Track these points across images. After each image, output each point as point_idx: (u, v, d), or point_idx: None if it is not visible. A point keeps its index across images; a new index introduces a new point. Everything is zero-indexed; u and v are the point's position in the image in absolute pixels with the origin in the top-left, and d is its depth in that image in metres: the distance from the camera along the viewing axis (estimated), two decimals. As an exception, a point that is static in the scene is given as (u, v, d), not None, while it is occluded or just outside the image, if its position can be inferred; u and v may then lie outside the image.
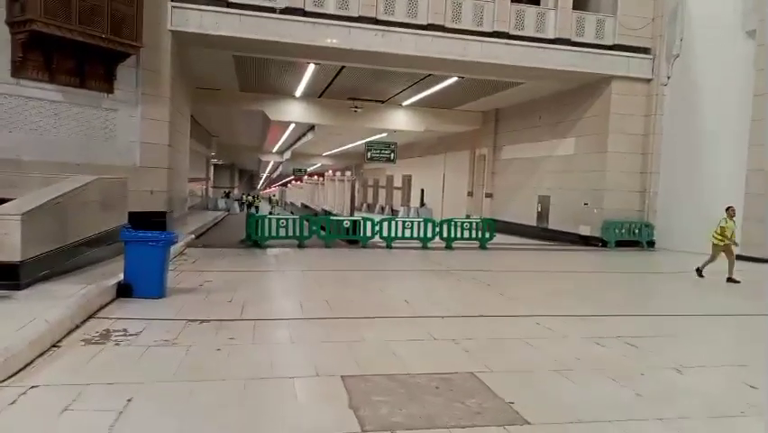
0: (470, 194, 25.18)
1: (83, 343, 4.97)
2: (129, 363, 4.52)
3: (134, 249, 6.78)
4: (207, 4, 12.69)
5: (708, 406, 4.02)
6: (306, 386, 4.15)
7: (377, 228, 14.17)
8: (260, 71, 17.72)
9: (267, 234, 13.21)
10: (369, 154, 22.46)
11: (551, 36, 15.03)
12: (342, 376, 4.30)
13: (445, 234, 14.34)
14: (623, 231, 15.61)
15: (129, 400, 3.74)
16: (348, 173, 18.80)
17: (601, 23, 15.51)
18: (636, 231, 15.65)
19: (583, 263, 12.93)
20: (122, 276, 6.91)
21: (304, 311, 6.64)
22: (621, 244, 15.43)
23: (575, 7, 15.37)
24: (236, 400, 3.84)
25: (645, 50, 15.64)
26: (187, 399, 3.84)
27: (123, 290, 6.77)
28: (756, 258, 12.46)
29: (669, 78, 15.40)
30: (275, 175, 75.11)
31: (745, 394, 4.29)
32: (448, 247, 14.07)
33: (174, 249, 10.24)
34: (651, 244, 15.60)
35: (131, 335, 5.26)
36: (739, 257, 12.77)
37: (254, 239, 13.03)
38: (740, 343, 6.25)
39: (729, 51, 13.64)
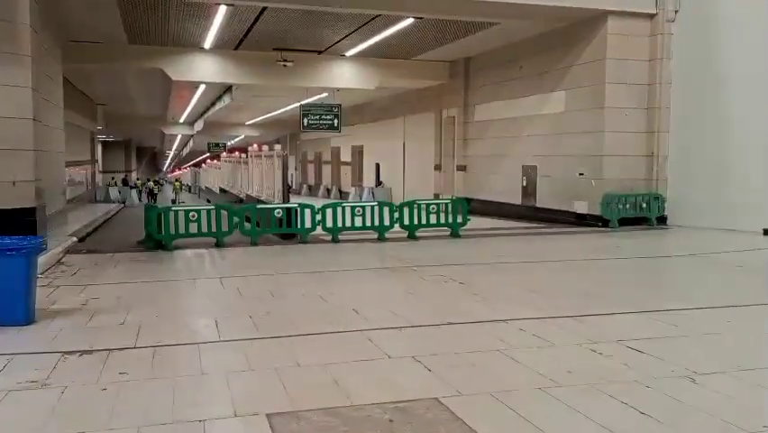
0: (438, 167, 25.39)
1: None
2: (-19, 415, 4.35)
3: (-13, 261, 6.53)
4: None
5: (728, 422, 4.15)
6: (220, 430, 4.08)
7: (319, 217, 14.08)
8: (154, 17, 17.30)
9: (173, 231, 12.96)
10: (305, 121, 22.48)
11: (531, -40, 15.16)
12: (267, 414, 4.24)
13: (407, 221, 14.38)
14: (627, 206, 16.08)
15: (-21, 467, 3.59)
16: (278, 147, 18.59)
17: (592, -56, 15.74)
18: (644, 205, 16.14)
19: (578, 249, 13.20)
20: (-29, 298, 6.65)
21: (220, 332, 6.55)
22: (625, 221, 15.88)
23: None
24: (126, 455, 3.75)
25: (647, -22, 16.00)
26: (60, 459, 3.72)
27: (-26, 318, 6.51)
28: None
29: (677, 12, 15.78)
30: (185, 153, 73.84)
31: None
32: (411, 237, 14.14)
33: (46, 258, 9.95)
34: (661, 220, 16.10)
35: (-16, 377, 5.06)
36: (767, 232, 13.35)
37: (157, 239, 12.77)
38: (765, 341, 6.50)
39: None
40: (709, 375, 5.04)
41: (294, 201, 16.23)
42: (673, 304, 7.71)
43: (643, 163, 16.45)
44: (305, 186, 47.08)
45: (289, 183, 21.11)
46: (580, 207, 16.83)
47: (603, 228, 15.75)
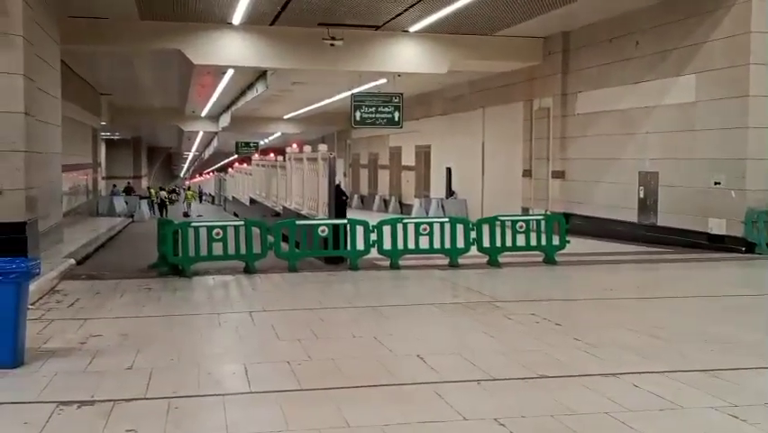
0: (528, 173, 25.24)
1: None
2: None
3: (-34, 290, 6.79)
4: None
5: None
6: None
7: (374, 237, 14.16)
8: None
9: (193, 253, 13.21)
10: (358, 115, 22.69)
11: None
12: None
13: (487, 244, 14.32)
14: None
15: None
16: (323, 147, 18.77)
17: None
18: (803, 225, 15.68)
19: (713, 281, 12.92)
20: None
21: (250, 381, 6.64)
22: (778, 246, 15.47)
23: None
24: None
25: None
26: None
27: (-49, 359, 6.78)
28: None
29: None
30: (207, 155, 75.42)
31: None
32: (492, 264, 14.06)
33: (37, 284, 10.26)
34: (830, 244, 15.62)
35: (-36, 432, 5.27)
36: None
37: (172, 262, 13.04)
38: None
39: None
40: None
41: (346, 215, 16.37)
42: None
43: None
44: (356, 196, 47.32)
45: (345, 193, 21.16)
46: (716, 227, 16.46)
47: (747, 254, 15.36)
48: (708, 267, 14.34)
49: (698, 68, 17.30)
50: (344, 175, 50.37)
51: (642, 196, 19.27)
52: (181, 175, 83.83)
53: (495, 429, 5.31)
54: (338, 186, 21.26)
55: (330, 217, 15.66)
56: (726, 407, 5.76)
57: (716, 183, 16.61)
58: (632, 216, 19.50)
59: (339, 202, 20.06)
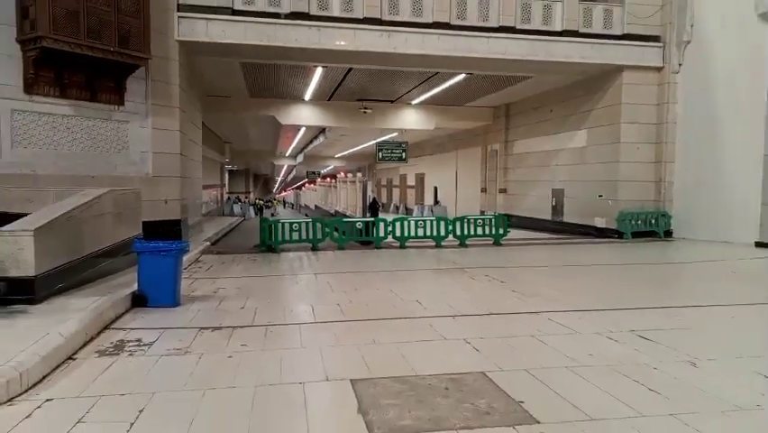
0: (484, 190, 25.08)
1: (97, 355, 5.04)
2: (142, 373, 4.58)
3: (147, 259, 6.87)
4: (213, 13, 12.80)
5: (723, 400, 3.95)
6: (316, 391, 4.16)
7: (390, 229, 14.16)
8: (268, 77, 17.84)
9: (280, 238, 13.28)
10: (380, 154, 22.55)
11: (558, 28, 14.89)
12: (351, 380, 4.30)
13: (459, 232, 14.29)
14: (639, 222, 15.43)
15: (140, 411, 3.79)
16: (359, 174, 18.80)
17: (609, 13, 15.31)
18: (653, 221, 15.46)
19: (598, 256, 12.78)
20: (136, 286, 7.01)
21: (315, 315, 6.66)
22: (637, 234, 15.26)
23: (582, -1, 15.24)
24: (245, 408, 3.87)
25: (655, 39, 15.43)
26: (197, 408, 3.87)
27: (138, 300, 6.86)
28: (777, 245, 12.22)
29: (680, 65, 15.17)
30: (289, 178, 75.56)
31: (761, 387, 4.20)
32: (462, 245, 14.02)
33: (188, 257, 10.36)
34: (668, 233, 15.40)
35: (144, 344, 5.33)
36: (758, 244, 12.61)
37: (268, 244, 13.11)
38: (760, 333, 6.13)
39: (742, 35, 13.38)
40: (709, 361, 4.80)
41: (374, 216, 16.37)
42: (679, 302, 7.36)
43: (651, 187, 15.78)
44: (379, 204, 47.37)
45: (378, 203, 21.13)
46: (600, 222, 16.31)
47: (619, 240, 15.21)
48: (595, 247, 14.23)
49: (589, 125, 17.13)
50: (372, 191, 50.26)
51: (554, 204, 19.11)
52: (274, 191, 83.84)
53: (464, 346, 5.31)
54: (374, 199, 21.32)
55: (363, 217, 15.67)
56: (606, 333, 5.73)
57: (599, 196, 16.43)
58: (548, 215, 19.35)
59: (374, 208, 20.13)
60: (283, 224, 13.65)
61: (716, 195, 14.11)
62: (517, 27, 14.59)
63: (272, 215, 39.13)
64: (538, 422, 3.60)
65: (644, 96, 15.56)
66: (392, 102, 22.52)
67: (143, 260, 6.88)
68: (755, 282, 9.34)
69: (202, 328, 5.91)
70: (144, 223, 10.34)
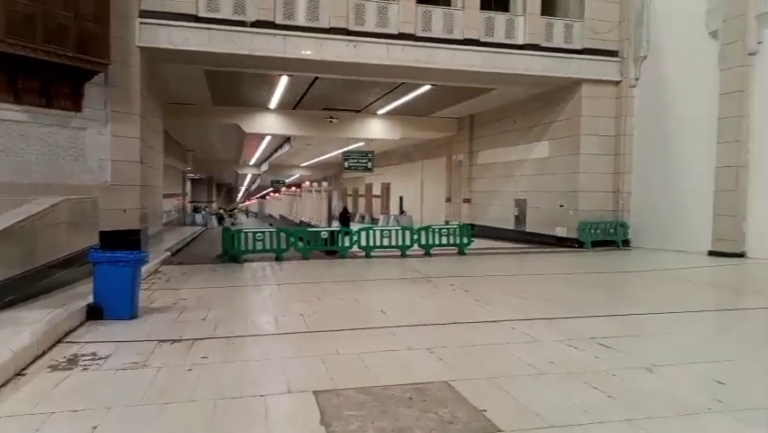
0: (449, 200, 25.32)
1: (49, 369, 4.85)
2: (96, 388, 4.43)
3: (103, 269, 6.67)
4: (176, 20, 12.62)
5: (677, 404, 4.06)
6: (277, 404, 4.10)
7: (355, 238, 14.13)
8: (232, 84, 17.66)
9: (243, 248, 13.09)
10: (346, 164, 22.58)
11: (520, 42, 15.24)
12: (314, 392, 4.26)
13: (424, 242, 14.36)
14: (598, 231, 15.82)
15: (94, 428, 3.66)
16: (325, 184, 18.74)
17: (569, 28, 15.77)
18: (611, 231, 15.88)
19: (559, 265, 13.03)
20: (92, 298, 6.79)
21: (278, 326, 6.58)
22: (597, 243, 15.63)
23: (544, 12, 15.63)
24: (205, 421, 3.78)
25: (614, 53, 15.95)
26: (155, 423, 3.77)
27: (93, 312, 6.64)
28: (728, 253, 12.70)
29: (637, 79, 15.70)
30: (253, 188, 74.75)
31: (713, 391, 4.34)
32: (427, 254, 14.09)
33: (148, 267, 10.12)
34: (626, 243, 15.84)
35: (99, 358, 5.16)
36: (711, 252, 13.08)
37: (231, 254, 12.91)
38: (713, 339, 6.36)
39: (694, 52, 13.94)
40: (665, 367, 4.94)
41: (337, 226, 16.32)
42: (635, 309, 7.56)
43: (610, 197, 16.24)
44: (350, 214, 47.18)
45: (349, 212, 21.09)
46: (561, 232, 16.65)
47: (579, 249, 15.56)
48: (556, 256, 14.50)
49: (550, 137, 17.53)
50: (338, 201, 50.08)
51: (516, 213, 19.43)
52: (237, 200, 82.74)
53: (427, 355, 5.32)
54: (345, 208, 21.32)
55: (328, 226, 15.61)
56: (567, 340, 5.83)
57: (560, 206, 16.80)
58: (510, 225, 19.63)
59: (346, 218, 20.09)
60: (246, 233, 13.47)
61: (671, 205, 14.60)
62: (481, 40, 14.88)
63: (233, 224, 38.64)
64: (500, 430, 3.63)
65: (602, 108, 16.04)
66: (358, 111, 22.59)
67: (100, 270, 6.68)
68: (708, 290, 9.69)
69: (161, 341, 5.76)
70: (102, 232, 10.06)
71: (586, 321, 6.80)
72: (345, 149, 26.46)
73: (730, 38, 12.92)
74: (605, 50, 15.89)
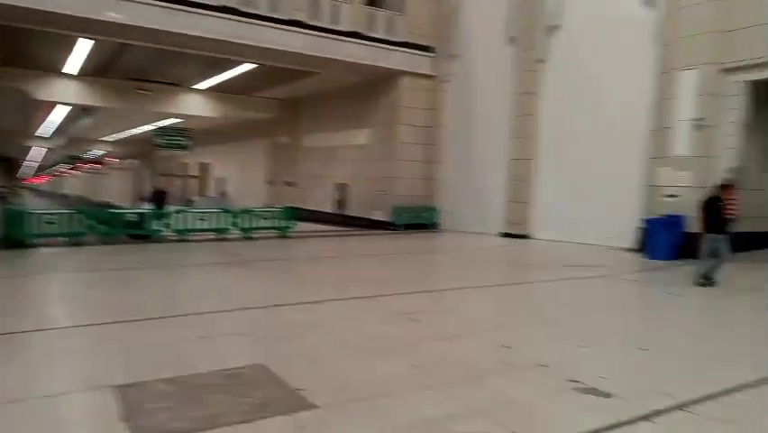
0: (272, 182, 24.98)
1: None
2: None
3: None
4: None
5: (472, 369, 4.55)
6: (71, 403, 3.69)
7: (168, 221, 13.20)
8: (24, 43, 15.23)
9: (31, 231, 11.41)
10: (160, 141, 20.93)
11: (345, 29, 15.50)
12: (115, 386, 3.91)
13: (244, 225, 13.96)
14: (411, 215, 16.92)
15: None
16: (132, 161, 17.20)
17: (392, 21, 16.48)
18: (423, 214, 17.11)
19: (376, 246, 13.65)
20: None
21: (73, 319, 5.90)
22: (410, 226, 16.70)
23: (369, 3, 16.11)
24: (-25, 431, 3.26)
25: (430, 49, 17.04)
26: None
27: None
28: (517, 234, 14.49)
29: (449, 75, 17.01)
30: (48, 163, 65.59)
31: (501, 355, 4.94)
32: (247, 238, 13.74)
33: None
34: (436, 225, 17.17)
35: None
36: (505, 234, 14.80)
37: (14, 238, 11.17)
38: (503, 309, 7.22)
39: (497, 55, 15.48)
40: (463, 336, 5.48)
41: (145, 207, 15.10)
42: (440, 286, 8.26)
43: (424, 184, 17.44)
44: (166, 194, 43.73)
45: (165, 193, 19.49)
46: (378, 216, 17.43)
47: (394, 231, 16.44)
48: (373, 238, 15.14)
49: (371, 125, 18.19)
50: (151, 180, 46.25)
51: (338, 197, 19.88)
52: (23, 176, 71.85)
53: (243, 339, 5.23)
54: (160, 189, 19.73)
55: (138, 207, 14.35)
56: (380, 316, 6.14)
57: (378, 191, 17.58)
58: (333, 209, 20.02)
59: (161, 199, 18.57)
60: (34, 214, 11.76)
61: (474, 192, 16.19)
62: (307, 22, 14.81)
63: (9, 203, 33.53)
64: (316, 407, 3.71)
65: (419, 100, 17.11)
66: (175, 85, 21.04)
67: None
68: (499, 266, 10.98)
69: None
70: None
71: (397, 298, 7.23)
72: (159, 124, 24.61)
73: (525, 45, 14.63)
74: (423, 46, 16.91)
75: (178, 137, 20.83)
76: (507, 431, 3.44)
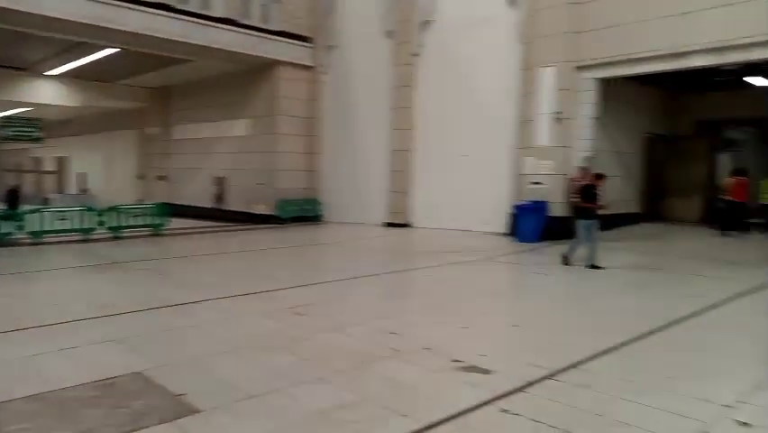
0: (142, 177, 23.39)
1: None
2: None
3: None
4: None
5: (360, 357, 4.63)
6: None
7: (20, 223, 11.86)
8: None
9: None
10: (5, 132, 18.75)
11: (218, 15, 14.84)
12: (-38, 411, 3.46)
13: (112, 224, 12.95)
14: (295, 208, 16.75)
15: None
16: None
17: (267, 8, 16.04)
18: (307, 207, 17.00)
19: (258, 241, 13.35)
20: None
21: None
22: (295, 219, 16.53)
23: (242, -12, 15.54)
24: None
25: (308, 39, 16.86)
26: None
27: None
28: (399, 224, 14.91)
29: (328, 66, 16.97)
30: None
31: (388, 341, 5.08)
32: (116, 238, 12.76)
33: None
34: (319, 217, 17.15)
35: None
36: (388, 224, 15.17)
37: None
38: (388, 296, 7.41)
39: (374, 47, 15.70)
40: (351, 326, 5.55)
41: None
42: (325, 277, 8.29)
43: (306, 176, 17.31)
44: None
45: (19, 191, 17.46)
46: (260, 209, 17.04)
47: (278, 225, 16.17)
48: (256, 233, 14.80)
49: (249, 115, 17.65)
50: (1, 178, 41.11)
51: (216, 192, 19.12)
52: None
53: (115, 346, 4.86)
54: (14, 187, 17.77)
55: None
56: (264, 312, 6.02)
57: (259, 184, 17.16)
58: (211, 203, 19.23)
59: (14, 198, 16.74)
60: None
61: (356, 183, 16.37)
62: (176, 6, 13.96)
63: None
64: (199, 411, 3.56)
65: (298, 91, 16.89)
66: (23, 70, 18.85)
67: None
68: (382, 255, 11.24)
69: None
70: None
71: (282, 293, 7.14)
72: (4, 114, 21.97)
73: (400, 39, 14.99)
74: (300, 36, 16.68)
75: (28, 128, 18.83)
76: (396, 415, 3.55)
